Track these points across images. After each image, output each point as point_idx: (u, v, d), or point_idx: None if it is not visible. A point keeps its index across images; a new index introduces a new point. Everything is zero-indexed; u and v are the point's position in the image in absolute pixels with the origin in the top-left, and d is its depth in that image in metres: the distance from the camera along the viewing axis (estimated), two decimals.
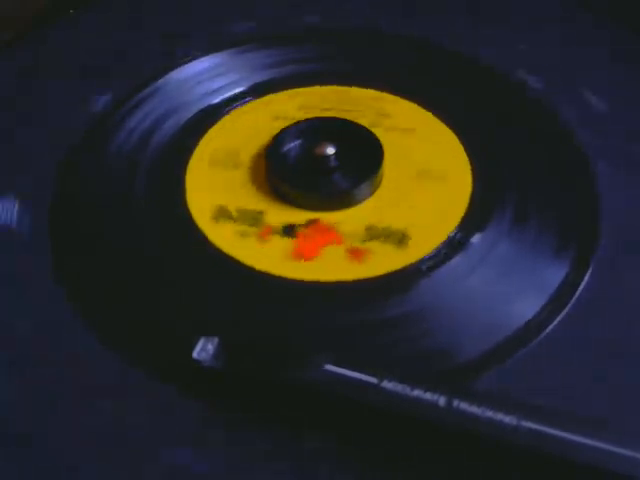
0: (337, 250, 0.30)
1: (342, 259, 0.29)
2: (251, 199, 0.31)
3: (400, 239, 0.30)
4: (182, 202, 0.31)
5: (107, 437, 0.26)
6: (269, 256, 0.29)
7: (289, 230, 0.30)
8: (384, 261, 0.29)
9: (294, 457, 0.25)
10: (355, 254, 0.29)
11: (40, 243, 0.30)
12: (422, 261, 0.29)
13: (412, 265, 0.29)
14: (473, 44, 0.37)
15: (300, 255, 0.29)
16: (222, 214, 0.31)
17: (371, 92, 0.35)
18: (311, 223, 0.30)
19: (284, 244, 0.30)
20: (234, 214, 0.31)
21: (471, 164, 0.32)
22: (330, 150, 0.31)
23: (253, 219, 0.31)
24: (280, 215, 0.31)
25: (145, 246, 0.30)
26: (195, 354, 0.26)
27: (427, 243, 0.30)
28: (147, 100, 0.35)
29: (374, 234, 0.30)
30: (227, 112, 0.34)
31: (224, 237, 0.30)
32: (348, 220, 0.31)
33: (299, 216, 0.31)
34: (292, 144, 0.33)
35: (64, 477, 0.25)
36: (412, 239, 0.30)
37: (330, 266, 0.29)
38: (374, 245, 0.30)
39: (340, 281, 0.29)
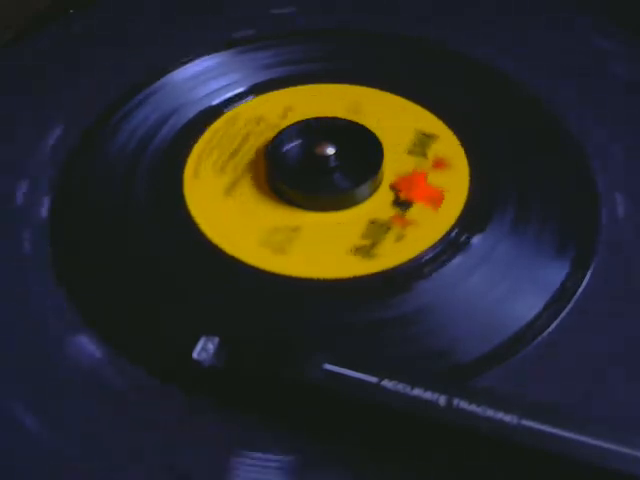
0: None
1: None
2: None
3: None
4: (182, 202, 0.31)
5: (107, 437, 0.25)
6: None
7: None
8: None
9: (294, 456, 0.25)
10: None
11: (40, 243, 0.30)
12: (422, 261, 0.29)
13: (412, 265, 0.29)
14: (473, 44, 0.37)
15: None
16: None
17: (370, 91, 0.35)
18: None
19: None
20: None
21: (471, 164, 0.32)
22: (330, 150, 0.31)
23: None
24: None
25: (145, 247, 0.30)
26: (195, 354, 0.26)
27: (427, 243, 0.30)
28: (147, 100, 0.35)
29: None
30: (226, 112, 0.34)
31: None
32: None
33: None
34: (292, 144, 0.33)
35: (64, 477, 0.25)
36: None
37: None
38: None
39: (340, 280, 0.29)
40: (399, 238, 0.30)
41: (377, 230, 0.30)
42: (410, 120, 0.34)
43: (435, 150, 0.33)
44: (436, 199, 0.31)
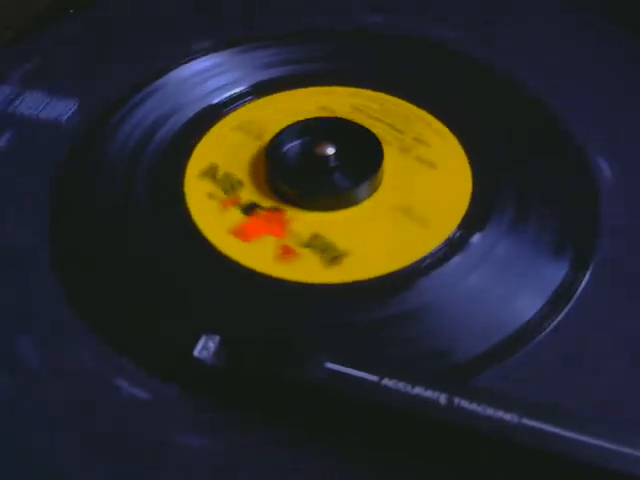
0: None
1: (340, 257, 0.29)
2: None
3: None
4: (182, 202, 0.31)
5: (107, 437, 0.25)
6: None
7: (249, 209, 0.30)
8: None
9: (294, 455, 0.25)
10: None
11: (40, 244, 0.30)
12: (422, 261, 0.29)
13: (412, 264, 0.29)
14: (473, 44, 0.37)
15: (239, 233, 0.30)
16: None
17: (370, 92, 0.35)
18: (274, 210, 0.30)
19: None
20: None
21: (471, 164, 0.32)
22: (330, 150, 0.31)
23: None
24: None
25: (145, 246, 0.30)
26: (196, 352, 0.26)
27: (427, 243, 0.30)
28: (147, 100, 0.35)
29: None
30: (227, 112, 0.34)
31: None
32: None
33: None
34: (292, 144, 0.33)
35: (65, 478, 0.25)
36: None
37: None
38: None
39: (340, 280, 0.29)
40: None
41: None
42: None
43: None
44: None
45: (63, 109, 0.35)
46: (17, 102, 0.35)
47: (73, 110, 0.35)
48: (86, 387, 0.27)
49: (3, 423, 0.26)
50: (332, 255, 0.29)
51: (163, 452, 0.25)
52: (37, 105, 0.35)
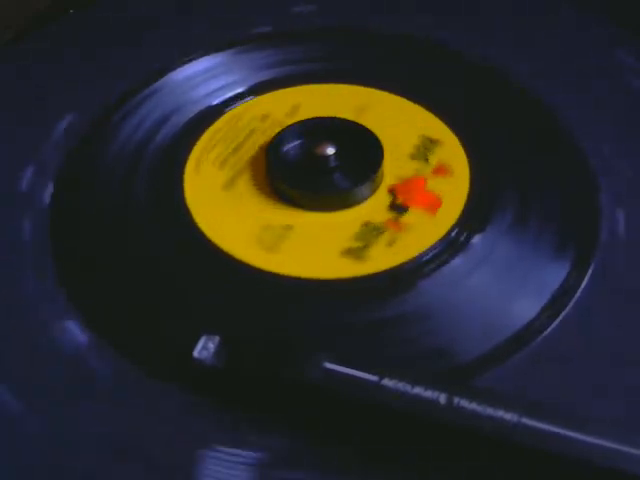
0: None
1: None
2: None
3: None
4: (182, 203, 0.31)
5: (107, 438, 0.25)
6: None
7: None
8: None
9: (294, 455, 0.25)
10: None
11: (40, 244, 0.30)
12: (422, 261, 0.29)
13: (412, 265, 0.29)
14: (473, 44, 0.37)
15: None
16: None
17: (370, 91, 0.35)
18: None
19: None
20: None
21: (470, 164, 0.32)
22: (330, 150, 0.31)
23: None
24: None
25: (145, 246, 0.30)
26: (196, 353, 0.26)
27: (427, 243, 0.30)
28: (147, 100, 0.35)
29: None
30: (227, 112, 0.34)
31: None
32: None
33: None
34: (292, 144, 0.33)
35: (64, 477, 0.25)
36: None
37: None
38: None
39: (340, 280, 0.29)
40: (390, 243, 0.30)
41: (370, 233, 0.30)
42: (411, 121, 0.34)
43: (438, 155, 0.33)
44: (433, 205, 0.31)
45: None
46: None
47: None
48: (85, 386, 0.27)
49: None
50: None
51: None
52: None
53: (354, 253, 0.29)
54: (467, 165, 0.32)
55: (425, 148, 0.33)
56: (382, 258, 0.29)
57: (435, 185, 0.31)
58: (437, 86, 0.36)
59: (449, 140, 0.33)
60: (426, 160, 0.32)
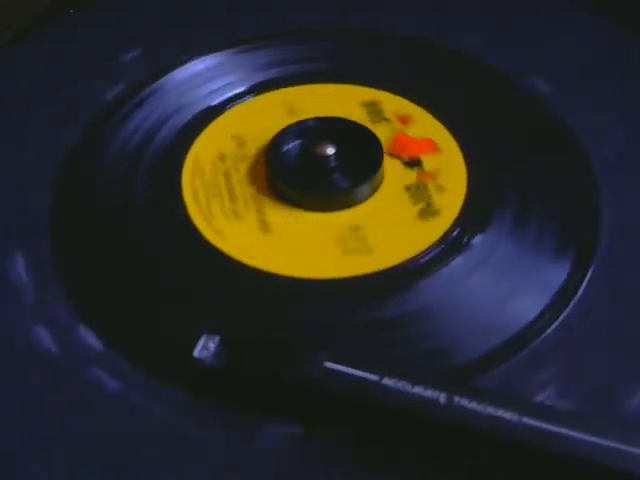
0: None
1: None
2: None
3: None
4: (182, 203, 0.31)
5: (107, 438, 0.25)
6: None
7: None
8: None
9: (294, 454, 0.25)
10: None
11: (40, 243, 0.30)
12: (422, 261, 0.29)
13: (413, 265, 0.29)
14: (473, 44, 0.37)
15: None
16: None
17: (370, 91, 0.35)
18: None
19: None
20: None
21: (471, 164, 0.32)
22: (330, 150, 0.31)
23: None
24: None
25: (144, 246, 0.30)
26: (196, 352, 0.26)
27: (427, 243, 0.30)
28: (147, 100, 0.35)
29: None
30: (226, 112, 0.34)
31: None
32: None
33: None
34: (292, 144, 0.33)
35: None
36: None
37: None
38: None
39: (340, 280, 0.29)
40: (440, 189, 0.31)
41: (420, 192, 0.31)
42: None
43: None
44: (432, 146, 0.32)
45: None
46: None
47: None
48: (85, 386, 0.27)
49: None
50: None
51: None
52: None
53: (425, 213, 0.30)
54: (467, 165, 0.32)
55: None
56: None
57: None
58: (437, 86, 0.36)
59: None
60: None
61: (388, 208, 0.31)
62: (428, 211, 0.31)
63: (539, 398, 0.26)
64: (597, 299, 0.29)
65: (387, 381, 0.24)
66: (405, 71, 0.36)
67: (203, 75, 0.36)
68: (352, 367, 0.25)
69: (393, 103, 0.34)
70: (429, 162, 0.32)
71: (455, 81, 0.36)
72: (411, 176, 0.32)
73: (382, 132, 0.33)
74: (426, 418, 0.24)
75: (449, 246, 0.30)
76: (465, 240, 0.30)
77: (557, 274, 0.29)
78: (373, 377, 0.24)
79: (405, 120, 0.33)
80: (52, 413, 0.26)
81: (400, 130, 0.33)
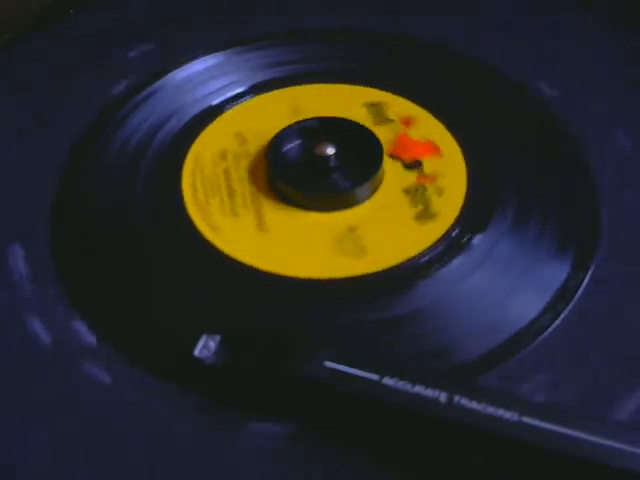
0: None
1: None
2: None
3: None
4: (182, 203, 0.31)
5: (107, 438, 0.25)
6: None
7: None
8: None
9: (295, 453, 0.25)
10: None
11: (40, 243, 0.30)
12: (423, 261, 0.29)
13: (412, 264, 0.29)
14: (473, 44, 0.37)
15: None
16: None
17: (370, 91, 0.35)
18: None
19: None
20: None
21: (471, 164, 0.32)
22: (330, 150, 0.31)
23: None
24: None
25: (144, 246, 0.30)
26: (197, 352, 0.26)
27: (427, 243, 0.30)
28: (147, 100, 0.35)
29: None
30: (226, 112, 0.34)
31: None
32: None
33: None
34: (292, 144, 0.33)
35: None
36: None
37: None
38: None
39: (340, 280, 0.29)
40: (439, 192, 0.31)
41: (418, 195, 0.31)
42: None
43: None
44: (433, 148, 0.32)
45: None
46: None
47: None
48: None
49: None
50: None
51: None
52: None
53: (423, 216, 0.30)
54: (467, 165, 0.32)
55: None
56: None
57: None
58: (440, 88, 0.36)
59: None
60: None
61: (386, 210, 0.31)
62: (425, 214, 0.31)
63: (539, 398, 0.26)
64: (597, 299, 0.29)
65: (387, 380, 0.24)
66: (409, 73, 0.36)
67: (203, 75, 0.36)
68: (352, 366, 0.25)
69: (396, 104, 0.34)
70: (430, 165, 0.32)
71: (459, 83, 0.36)
72: (411, 178, 0.32)
73: (384, 133, 0.33)
74: (426, 417, 0.24)
75: (448, 246, 0.30)
76: (465, 240, 0.30)
77: (557, 274, 0.29)
78: (373, 376, 0.24)
79: (408, 121, 0.33)
80: (46, 405, 0.26)
81: (403, 131, 0.33)
